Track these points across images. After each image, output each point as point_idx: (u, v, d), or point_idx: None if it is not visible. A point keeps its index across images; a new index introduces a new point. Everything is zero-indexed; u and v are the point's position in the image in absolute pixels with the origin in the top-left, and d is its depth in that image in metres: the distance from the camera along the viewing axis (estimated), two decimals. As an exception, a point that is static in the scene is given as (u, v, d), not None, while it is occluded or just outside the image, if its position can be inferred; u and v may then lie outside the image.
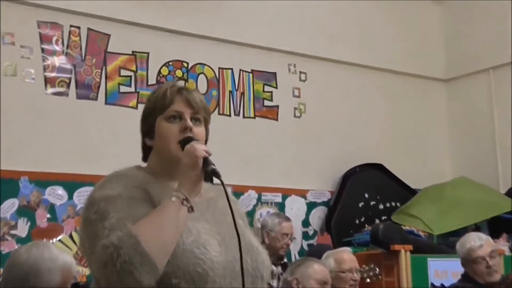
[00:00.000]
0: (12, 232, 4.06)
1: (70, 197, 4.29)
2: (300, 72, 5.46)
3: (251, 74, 5.22)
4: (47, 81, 4.37)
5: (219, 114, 5.01)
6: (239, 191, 4.78)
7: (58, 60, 4.42)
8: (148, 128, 1.59)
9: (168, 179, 1.54)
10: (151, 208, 1.41)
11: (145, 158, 1.64)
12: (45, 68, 4.36)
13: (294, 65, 5.43)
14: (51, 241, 4.05)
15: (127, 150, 4.38)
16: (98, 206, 1.41)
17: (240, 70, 5.17)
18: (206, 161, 1.45)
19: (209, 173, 1.44)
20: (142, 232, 1.32)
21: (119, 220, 1.36)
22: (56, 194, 4.26)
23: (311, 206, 5.29)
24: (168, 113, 1.56)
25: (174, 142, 1.53)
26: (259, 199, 5.03)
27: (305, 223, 5.24)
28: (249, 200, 4.98)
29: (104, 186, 1.46)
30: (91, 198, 1.45)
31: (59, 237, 4.19)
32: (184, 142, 1.52)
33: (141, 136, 1.63)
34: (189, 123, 1.55)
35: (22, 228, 4.09)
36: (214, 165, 1.45)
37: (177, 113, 1.56)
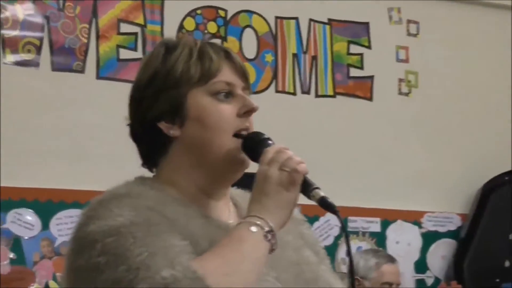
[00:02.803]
0: (-45, 282, 4.14)
1: (45, 225, 4.32)
2: (409, 22, 5.47)
3: (327, 26, 5.22)
4: (6, 44, 4.39)
5: (276, 91, 5.08)
6: (310, 215, 4.65)
7: (23, 10, 4.43)
8: (171, 107, 1.61)
9: (202, 196, 1.62)
10: (184, 241, 1.48)
11: (149, 162, 1.67)
12: (2, 24, 4.37)
13: (399, 10, 5.43)
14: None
15: (130, 149, 4.35)
16: (102, 244, 1.45)
17: (311, 20, 5.19)
18: (306, 182, 1.56)
19: (312, 199, 1.55)
20: (209, 273, 1.41)
21: (154, 256, 1.42)
22: (24, 222, 4.28)
23: (429, 238, 5.32)
24: (216, 85, 1.61)
25: (228, 134, 1.60)
26: (344, 226, 4.95)
27: (420, 265, 5.25)
28: (328, 229, 5.01)
29: (100, 216, 1.51)
30: (86, 235, 1.49)
31: (29, 290, 4.21)
32: (251, 140, 1.60)
33: (138, 123, 1.66)
34: (254, 103, 1.62)
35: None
36: (318, 187, 1.55)
37: (229, 86, 1.63)
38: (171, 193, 1.60)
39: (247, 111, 1.63)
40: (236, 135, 1.61)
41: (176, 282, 1.39)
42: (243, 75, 1.66)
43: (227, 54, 1.66)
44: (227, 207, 1.69)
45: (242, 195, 1.74)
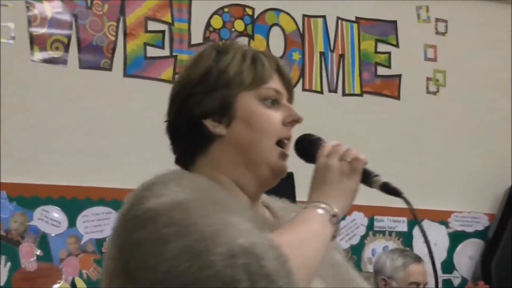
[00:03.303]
0: (-17, 278, 4.13)
1: (72, 223, 4.32)
2: (437, 20, 5.47)
3: (355, 25, 5.23)
4: (34, 41, 4.40)
5: (303, 90, 5.06)
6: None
7: (51, 8, 4.45)
8: (221, 105, 1.65)
9: (241, 195, 1.65)
10: (249, 222, 1.50)
11: (186, 159, 1.68)
12: (30, 21, 4.39)
13: (427, 9, 5.43)
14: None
15: (161, 147, 4.36)
16: (167, 217, 1.45)
17: (338, 18, 5.19)
18: (366, 170, 1.62)
19: (374, 186, 1.61)
20: (286, 244, 1.43)
21: (227, 228, 1.43)
22: (50, 219, 4.28)
23: (456, 238, 5.32)
24: (266, 91, 1.66)
25: (272, 140, 1.64)
26: (370, 226, 5.10)
27: (447, 266, 5.24)
28: (354, 228, 5.04)
29: (158, 193, 1.51)
30: (144, 211, 1.49)
31: (55, 286, 4.22)
32: (303, 141, 1.68)
33: (181, 118, 1.67)
34: (299, 114, 1.67)
35: (-2, 271, 4.14)
36: (379, 174, 1.62)
37: (277, 94, 1.68)
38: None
39: (293, 121, 1.67)
40: (278, 143, 1.65)
41: (255, 246, 1.39)
42: (289, 87, 1.72)
43: (277, 65, 1.72)
44: (262, 209, 1.73)
45: (269, 199, 1.79)
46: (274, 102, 1.68)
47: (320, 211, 1.55)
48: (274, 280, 1.38)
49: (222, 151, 1.65)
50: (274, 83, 1.68)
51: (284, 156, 1.67)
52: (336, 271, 1.70)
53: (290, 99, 1.73)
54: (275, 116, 1.66)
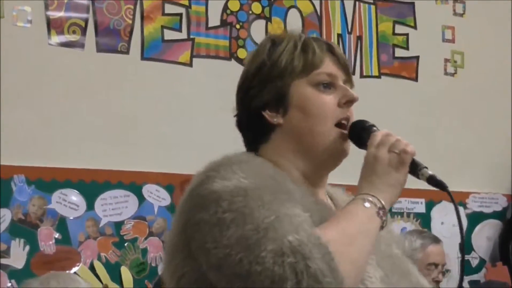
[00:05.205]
0: (2, 261, 4.10)
1: (90, 206, 4.33)
2: (455, 1, 5.50)
3: (373, 7, 5.25)
4: (51, 25, 4.40)
5: None
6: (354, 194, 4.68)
7: (68, -8, 4.45)
8: (276, 96, 1.71)
9: (304, 181, 1.69)
10: (305, 212, 1.54)
11: (251, 148, 1.76)
12: (47, 5, 4.39)
13: None
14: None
15: (179, 130, 4.39)
16: (229, 202, 1.51)
17: (356, 0, 5.17)
18: (414, 162, 1.65)
19: (421, 178, 1.64)
20: (333, 241, 1.47)
21: (280, 221, 1.47)
22: (69, 202, 4.29)
23: (474, 219, 5.34)
24: (318, 76, 1.71)
25: (330, 123, 1.69)
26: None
27: (465, 247, 5.21)
28: None
29: (224, 176, 1.57)
30: (210, 192, 1.55)
31: (74, 269, 4.23)
32: (356, 127, 1.69)
33: (244, 111, 1.76)
34: (355, 94, 1.72)
35: (17, 254, 4.14)
36: (426, 167, 1.65)
37: (330, 77, 1.72)
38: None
39: (348, 101, 1.71)
40: (338, 124, 1.70)
41: (302, 245, 1.43)
42: (345, 68, 1.75)
43: (330, 48, 1.76)
44: (324, 196, 1.78)
45: (332, 189, 1.85)
46: (329, 85, 1.72)
47: (367, 204, 1.59)
48: (319, 280, 1.42)
49: (282, 139, 1.71)
50: (327, 67, 1.72)
51: (344, 137, 1.71)
52: (393, 262, 1.74)
53: (348, 79, 1.77)
54: (329, 99, 1.71)
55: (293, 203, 1.56)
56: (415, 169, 1.65)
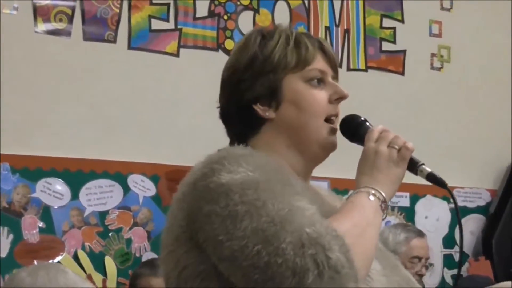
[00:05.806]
0: (-15, 250, 4.10)
1: (75, 195, 4.33)
2: None
3: (361, 0, 5.23)
4: (38, 13, 4.38)
5: None
6: (340, 188, 4.70)
7: (54, -21, 4.43)
8: (268, 90, 1.72)
9: (296, 175, 1.69)
10: (313, 205, 1.56)
11: (239, 142, 1.74)
12: (34, -7, 4.40)
13: None
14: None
15: (165, 121, 4.38)
16: (240, 195, 1.51)
17: None
18: (413, 159, 1.67)
19: (419, 175, 1.67)
20: (347, 234, 1.49)
21: (294, 213, 1.49)
22: (53, 191, 4.29)
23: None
24: (310, 72, 1.73)
25: (321, 118, 1.72)
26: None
27: (449, 241, 5.26)
28: None
29: (231, 169, 1.56)
30: (219, 185, 1.54)
31: (58, 258, 4.21)
32: (349, 122, 1.73)
33: (231, 104, 1.76)
34: (345, 91, 1.74)
35: (1, 243, 4.13)
36: (424, 163, 1.67)
37: (320, 74, 1.74)
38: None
39: (339, 98, 1.74)
40: (327, 120, 1.72)
41: (321, 237, 1.45)
42: (334, 65, 1.78)
43: (320, 45, 1.78)
44: (314, 188, 1.80)
45: (315, 183, 1.85)
46: (320, 82, 1.74)
47: (372, 197, 1.61)
48: (338, 270, 1.44)
49: (274, 133, 1.73)
50: (318, 63, 1.75)
51: (333, 131, 1.73)
52: (383, 255, 1.77)
53: (336, 76, 1.79)
54: (321, 95, 1.73)
55: (301, 196, 1.58)
56: (414, 165, 1.67)
